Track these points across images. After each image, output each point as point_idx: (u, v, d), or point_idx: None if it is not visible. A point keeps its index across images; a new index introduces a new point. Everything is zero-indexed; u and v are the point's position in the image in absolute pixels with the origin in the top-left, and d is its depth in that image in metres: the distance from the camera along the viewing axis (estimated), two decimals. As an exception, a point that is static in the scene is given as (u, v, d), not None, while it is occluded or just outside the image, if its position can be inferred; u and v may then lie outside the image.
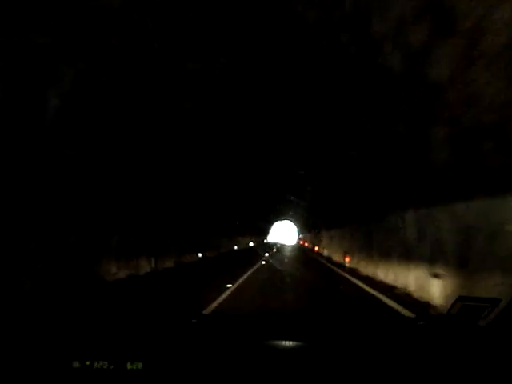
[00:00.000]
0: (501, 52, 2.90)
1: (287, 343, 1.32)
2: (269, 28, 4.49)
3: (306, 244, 31.42)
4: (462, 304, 1.36)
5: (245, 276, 8.59)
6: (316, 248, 22.38)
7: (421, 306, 4.92)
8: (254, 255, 17.71)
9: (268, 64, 5.09)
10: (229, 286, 6.60)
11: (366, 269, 8.94)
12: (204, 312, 3.99)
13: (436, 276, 4.85)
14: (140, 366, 1.01)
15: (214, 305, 4.90)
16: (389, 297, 5.73)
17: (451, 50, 3.31)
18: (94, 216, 5.96)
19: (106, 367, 1.00)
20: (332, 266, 12.24)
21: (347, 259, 10.87)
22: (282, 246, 35.37)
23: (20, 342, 1.17)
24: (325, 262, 14.69)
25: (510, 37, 2.76)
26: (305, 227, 30.44)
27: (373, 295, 6.15)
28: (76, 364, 1.01)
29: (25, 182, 4.30)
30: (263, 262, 13.48)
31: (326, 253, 17.26)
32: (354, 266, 10.30)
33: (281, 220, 41.71)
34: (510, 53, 2.84)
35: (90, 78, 4.49)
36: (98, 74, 4.52)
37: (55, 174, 4.72)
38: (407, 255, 6.22)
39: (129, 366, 1.01)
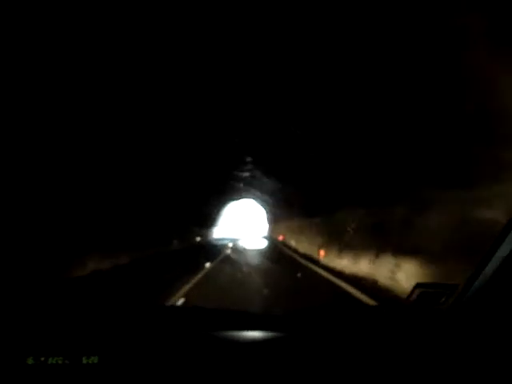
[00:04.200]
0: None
1: (249, 334, 1.28)
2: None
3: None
4: (420, 290, 1.38)
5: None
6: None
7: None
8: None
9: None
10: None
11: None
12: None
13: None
14: (96, 360, 1.03)
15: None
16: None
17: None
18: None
19: (61, 362, 1.01)
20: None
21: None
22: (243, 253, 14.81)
23: None
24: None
25: None
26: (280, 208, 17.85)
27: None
28: (30, 360, 1.01)
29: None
30: None
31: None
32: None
33: (237, 199, 24.95)
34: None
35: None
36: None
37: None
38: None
39: (84, 360, 1.02)
